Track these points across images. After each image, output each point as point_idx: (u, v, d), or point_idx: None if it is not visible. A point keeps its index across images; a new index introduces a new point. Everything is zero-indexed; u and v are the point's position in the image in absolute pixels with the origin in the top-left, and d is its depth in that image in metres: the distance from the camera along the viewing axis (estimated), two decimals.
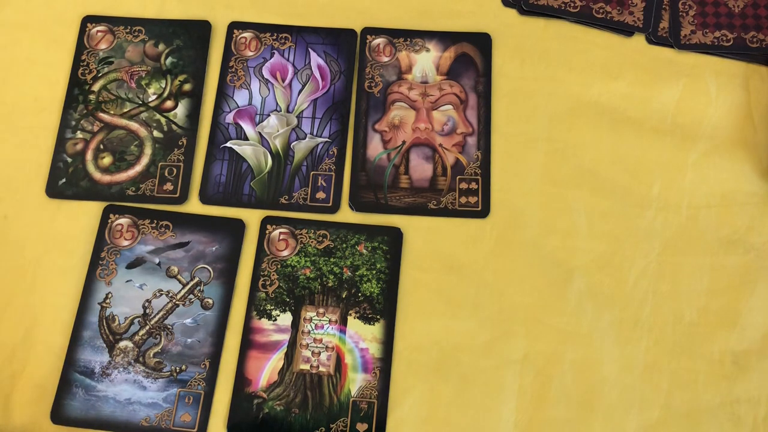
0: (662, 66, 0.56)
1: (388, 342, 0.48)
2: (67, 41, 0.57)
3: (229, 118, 0.55)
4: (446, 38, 0.57)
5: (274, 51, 0.57)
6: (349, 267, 0.50)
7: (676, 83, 0.56)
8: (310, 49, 0.57)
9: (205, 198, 0.53)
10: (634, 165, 0.54)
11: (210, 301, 0.49)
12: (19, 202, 0.53)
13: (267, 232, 0.51)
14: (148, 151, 0.54)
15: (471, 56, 0.57)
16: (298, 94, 0.56)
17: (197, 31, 0.57)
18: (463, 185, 0.53)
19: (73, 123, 0.54)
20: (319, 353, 0.48)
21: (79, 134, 0.54)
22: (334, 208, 0.52)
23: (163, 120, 0.55)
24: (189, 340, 0.48)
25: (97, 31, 0.57)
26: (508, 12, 0.58)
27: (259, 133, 0.54)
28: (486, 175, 0.53)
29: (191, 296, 0.49)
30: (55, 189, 0.53)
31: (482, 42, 0.57)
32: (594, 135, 0.54)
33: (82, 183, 0.53)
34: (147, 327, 0.49)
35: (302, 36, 0.57)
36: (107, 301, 0.49)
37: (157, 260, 0.50)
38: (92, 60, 0.56)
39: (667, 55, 0.57)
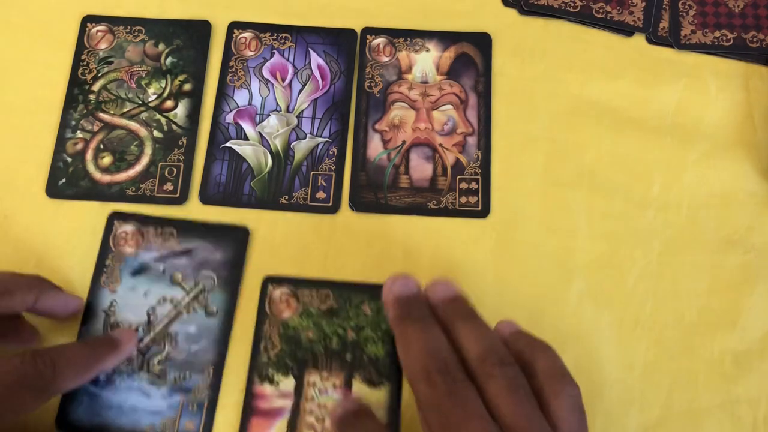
0: (662, 66, 0.56)
1: (393, 408, 0.47)
2: (67, 41, 0.57)
3: (229, 118, 0.55)
4: (446, 38, 0.57)
5: (274, 51, 0.57)
6: (353, 328, 0.48)
7: (676, 83, 0.56)
8: (310, 49, 0.57)
9: (206, 198, 0.53)
10: (634, 165, 0.54)
11: (214, 308, 0.49)
12: (19, 202, 0.53)
13: (268, 292, 0.50)
14: (148, 151, 0.54)
15: (471, 56, 0.57)
16: (298, 94, 0.56)
17: (197, 31, 0.57)
18: (464, 185, 0.53)
19: (73, 123, 0.54)
20: (324, 419, 0.46)
21: (79, 134, 0.54)
22: (334, 208, 0.52)
23: (163, 120, 0.55)
24: (193, 347, 0.48)
25: (97, 31, 0.57)
26: (508, 12, 0.58)
27: (260, 133, 0.54)
28: (486, 175, 0.53)
29: (195, 303, 0.49)
30: (55, 189, 0.53)
31: (482, 42, 0.57)
32: (594, 135, 0.54)
33: (82, 183, 0.53)
34: (151, 334, 0.48)
35: (302, 36, 0.57)
36: (112, 308, 0.49)
37: (161, 267, 0.50)
38: (92, 60, 0.56)
39: (667, 55, 0.57)
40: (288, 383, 0.47)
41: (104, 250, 0.50)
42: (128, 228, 0.50)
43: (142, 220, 0.51)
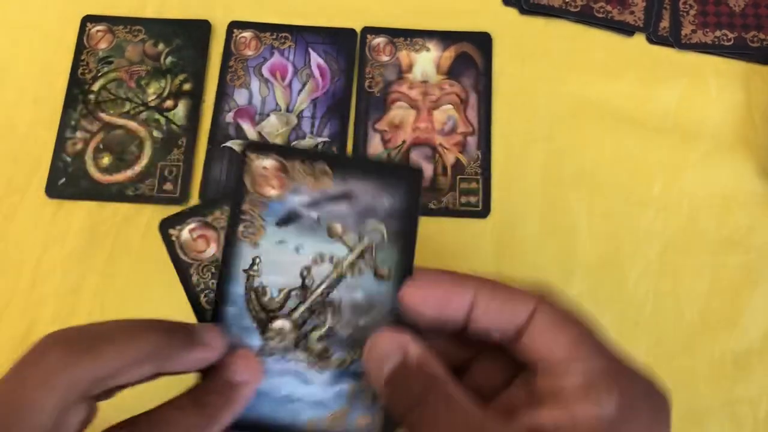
0: (663, 66, 0.56)
1: None
2: (66, 41, 0.57)
3: (229, 117, 0.55)
4: (446, 37, 0.57)
5: (274, 50, 0.57)
6: None
7: (677, 83, 0.56)
8: (310, 49, 0.57)
9: (206, 198, 0.52)
10: (634, 165, 0.54)
11: (385, 270, 0.36)
12: (19, 202, 0.53)
13: None
14: (147, 150, 0.54)
15: (471, 56, 0.57)
16: (298, 94, 0.56)
17: (197, 31, 0.57)
18: (464, 185, 0.53)
19: (73, 123, 0.54)
20: None
21: (79, 134, 0.54)
22: None
23: (162, 120, 0.55)
24: (361, 320, 0.35)
25: (97, 31, 0.57)
26: (509, 11, 0.58)
27: (259, 132, 0.54)
28: (486, 175, 0.53)
29: (361, 263, 0.36)
30: (55, 189, 0.53)
31: (483, 41, 0.57)
32: (594, 135, 0.54)
33: (81, 183, 0.53)
34: (307, 303, 0.36)
35: (302, 35, 0.57)
36: (255, 268, 0.37)
37: (315, 215, 0.36)
38: (92, 59, 0.56)
39: (668, 55, 0.57)
40: None
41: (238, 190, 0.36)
42: (268, 163, 0.37)
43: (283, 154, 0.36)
